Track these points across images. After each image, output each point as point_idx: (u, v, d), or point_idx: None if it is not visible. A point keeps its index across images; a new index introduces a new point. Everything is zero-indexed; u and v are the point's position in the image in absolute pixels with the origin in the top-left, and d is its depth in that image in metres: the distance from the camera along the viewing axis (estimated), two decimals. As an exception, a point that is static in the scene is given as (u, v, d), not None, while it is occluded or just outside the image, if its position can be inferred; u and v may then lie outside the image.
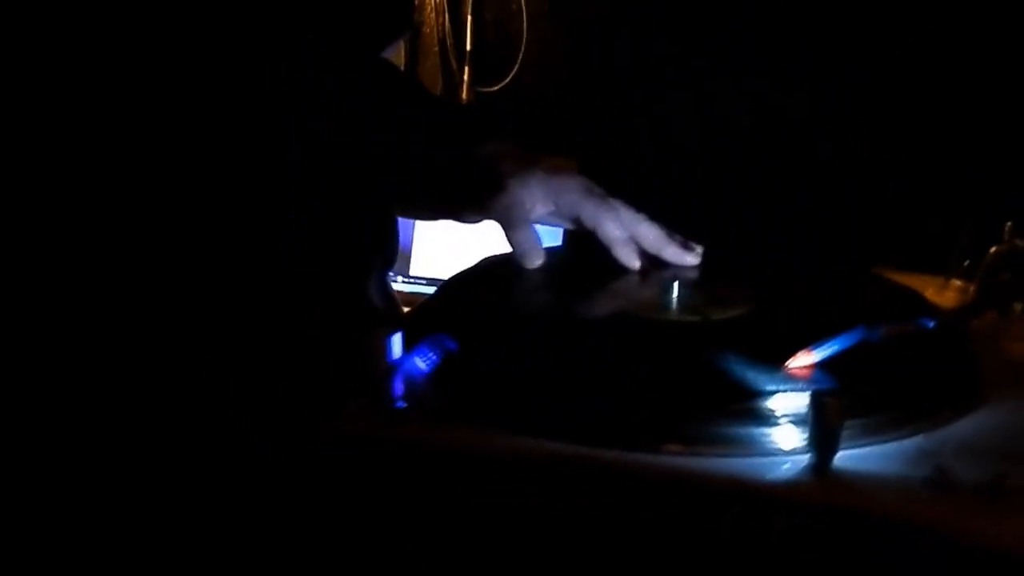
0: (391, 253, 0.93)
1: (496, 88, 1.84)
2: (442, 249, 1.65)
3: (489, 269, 0.96)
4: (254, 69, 0.74)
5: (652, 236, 0.92)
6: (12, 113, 0.67)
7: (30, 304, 0.63)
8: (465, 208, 0.96)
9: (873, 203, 1.58)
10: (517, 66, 1.82)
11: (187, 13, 0.71)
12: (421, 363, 0.74)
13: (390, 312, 0.91)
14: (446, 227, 1.59)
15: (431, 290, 1.60)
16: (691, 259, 0.92)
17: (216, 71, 0.72)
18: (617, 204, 0.93)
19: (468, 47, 1.84)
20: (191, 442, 0.62)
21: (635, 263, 0.91)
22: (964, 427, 0.70)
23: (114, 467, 0.64)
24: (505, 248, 0.95)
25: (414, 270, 1.66)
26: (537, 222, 0.93)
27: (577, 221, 0.93)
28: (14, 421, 0.63)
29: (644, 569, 0.66)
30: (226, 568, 0.65)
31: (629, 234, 0.91)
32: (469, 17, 1.84)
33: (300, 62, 0.78)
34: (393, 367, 0.72)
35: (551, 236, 0.98)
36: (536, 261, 0.92)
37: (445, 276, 1.61)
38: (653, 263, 0.92)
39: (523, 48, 1.81)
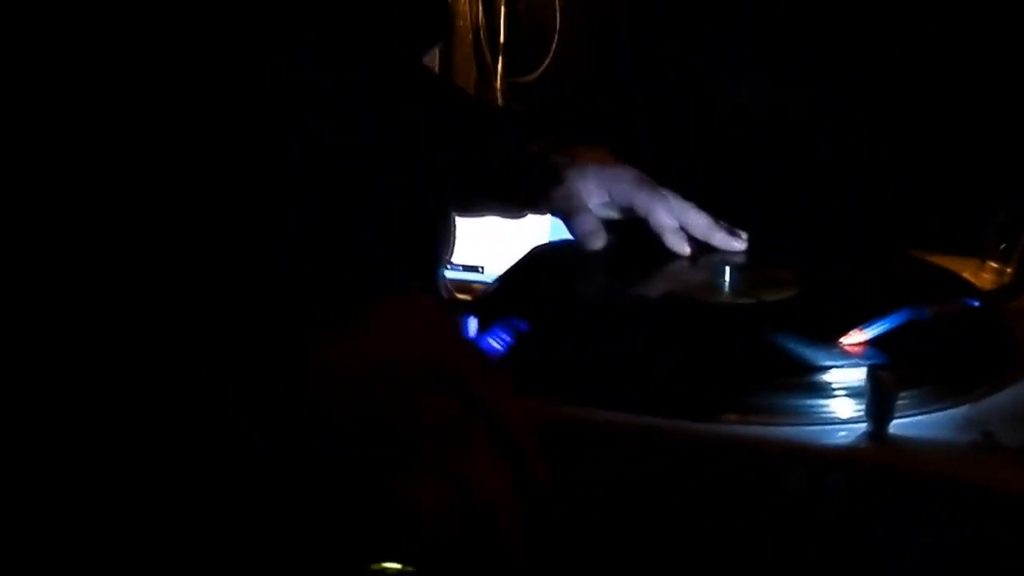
0: (451, 247, 0.97)
1: (530, 78, 1.84)
2: (479, 237, 1.67)
3: (544, 256, 1.00)
4: (254, 69, 0.75)
5: (701, 224, 0.96)
6: (10, 112, 0.66)
7: (28, 304, 0.62)
8: (525, 202, 0.99)
9: (877, 201, 1.61)
10: (550, 56, 1.81)
11: (187, 12, 0.71)
12: (496, 343, 0.79)
13: (451, 300, 0.94)
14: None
15: (470, 277, 1.63)
16: (738, 245, 0.96)
17: (216, 71, 0.72)
18: (667, 193, 0.97)
19: (502, 38, 1.84)
20: (191, 442, 0.61)
21: (686, 249, 0.95)
22: (1007, 397, 0.75)
23: (113, 467, 0.63)
24: (538, 235, 0.97)
25: (454, 258, 1.69)
26: None
27: (629, 210, 0.97)
28: (12, 421, 0.62)
29: (717, 531, 0.71)
30: (226, 568, 0.65)
31: (679, 222, 0.96)
32: (503, 8, 1.84)
33: (300, 62, 0.78)
34: None
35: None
36: (599, 243, 0.95)
37: (483, 263, 1.63)
38: (702, 249, 0.96)
39: (556, 38, 1.81)
